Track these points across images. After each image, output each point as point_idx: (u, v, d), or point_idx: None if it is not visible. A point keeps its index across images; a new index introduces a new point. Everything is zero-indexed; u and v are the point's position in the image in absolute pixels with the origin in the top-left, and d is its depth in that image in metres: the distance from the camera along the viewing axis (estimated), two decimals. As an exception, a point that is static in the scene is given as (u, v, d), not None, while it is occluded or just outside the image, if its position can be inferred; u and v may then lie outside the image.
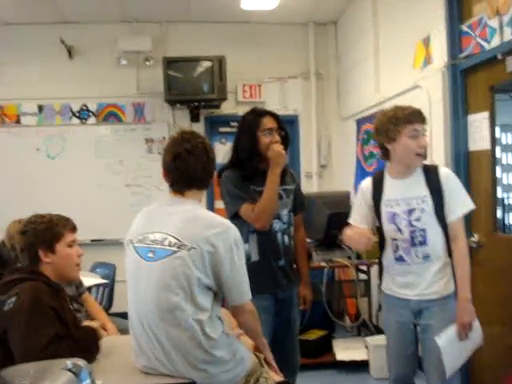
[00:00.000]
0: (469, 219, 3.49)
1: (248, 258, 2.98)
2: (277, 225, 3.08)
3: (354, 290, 4.79)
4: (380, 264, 2.97)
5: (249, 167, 3.04)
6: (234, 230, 2.26)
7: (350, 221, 2.97)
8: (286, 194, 3.14)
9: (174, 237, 2.17)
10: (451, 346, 2.61)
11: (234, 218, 3.01)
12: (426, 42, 4.10)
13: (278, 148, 3.00)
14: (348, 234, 2.78)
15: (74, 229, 2.57)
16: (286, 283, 3.14)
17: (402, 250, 2.75)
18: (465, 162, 3.69)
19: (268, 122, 3.07)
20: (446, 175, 2.75)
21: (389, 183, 2.82)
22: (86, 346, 2.33)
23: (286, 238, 3.14)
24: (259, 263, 3.01)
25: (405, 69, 4.48)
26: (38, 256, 2.43)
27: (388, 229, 2.79)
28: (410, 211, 2.71)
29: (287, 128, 3.24)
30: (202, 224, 2.19)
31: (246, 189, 3.03)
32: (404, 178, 2.76)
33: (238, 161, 3.10)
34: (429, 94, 4.02)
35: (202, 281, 2.14)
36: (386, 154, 2.80)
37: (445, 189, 2.69)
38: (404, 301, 2.77)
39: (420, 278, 2.72)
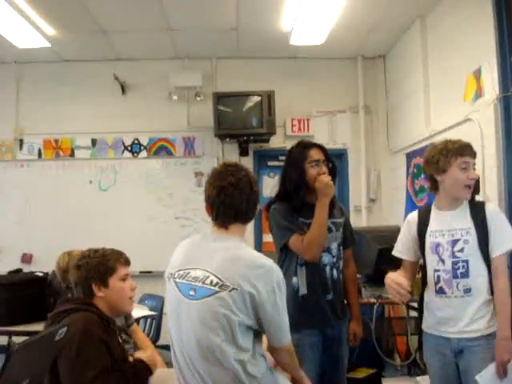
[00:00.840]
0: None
1: (296, 291, 2.96)
2: (326, 258, 3.04)
3: (404, 327, 4.67)
4: (421, 301, 2.90)
5: (296, 199, 3.02)
6: (277, 271, 2.18)
7: (394, 252, 2.98)
8: (335, 227, 3.10)
9: (215, 275, 2.12)
10: None
11: (283, 250, 3.00)
12: (477, 74, 4.04)
13: (326, 179, 2.97)
14: (388, 281, 2.74)
15: (127, 263, 2.60)
16: (335, 318, 3.07)
17: (443, 281, 2.71)
18: (519, 197, 3.60)
19: (315, 154, 3.06)
20: (492, 210, 2.73)
21: (435, 215, 2.81)
22: (136, 380, 2.33)
23: (335, 272, 3.09)
24: (307, 297, 2.96)
25: (455, 102, 4.42)
26: (91, 290, 2.47)
27: (430, 259, 2.76)
28: (454, 242, 2.69)
29: (335, 162, 3.23)
30: (244, 264, 2.13)
31: (295, 220, 3.01)
32: (450, 210, 2.76)
33: (285, 193, 3.08)
34: (481, 127, 3.95)
35: (243, 322, 2.10)
36: (434, 186, 2.80)
37: (490, 224, 2.66)
38: (444, 339, 2.71)
39: (460, 313, 2.66)
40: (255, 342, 2.18)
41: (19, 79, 6.43)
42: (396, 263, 2.99)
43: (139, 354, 2.53)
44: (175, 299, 2.23)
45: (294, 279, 2.98)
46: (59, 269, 3.55)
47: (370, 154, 6.57)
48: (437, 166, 2.70)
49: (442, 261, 2.71)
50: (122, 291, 2.53)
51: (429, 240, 2.77)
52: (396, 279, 2.69)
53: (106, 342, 2.29)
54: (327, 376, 3.06)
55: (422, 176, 5.15)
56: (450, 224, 2.72)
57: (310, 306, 2.94)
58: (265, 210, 3.10)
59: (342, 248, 3.16)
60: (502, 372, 2.54)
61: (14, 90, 6.42)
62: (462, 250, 2.67)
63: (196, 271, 2.18)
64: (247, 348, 2.12)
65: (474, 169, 2.73)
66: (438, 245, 2.73)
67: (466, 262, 2.66)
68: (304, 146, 3.13)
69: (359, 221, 6.39)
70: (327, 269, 3.05)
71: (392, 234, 4.35)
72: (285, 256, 3.00)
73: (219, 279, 2.11)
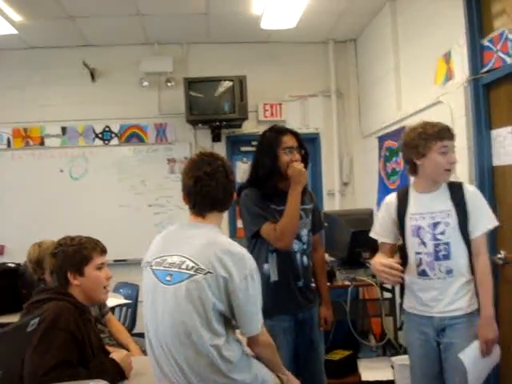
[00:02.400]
0: (495, 236, 3.44)
1: (267, 278, 2.96)
2: (296, 245, 3.04)
3: (378, 308, 4.72)
4: (402, 282, 2.92)
5: (268, 186, 3.00)
6: (250, 261, 2.21)
7: (371, 234, 2.99)
8: (305, 213, 3.10)
9: (191, 260, 2.15)
10: (475, 364, 2.58)
11: (254, 237, 3.00)
12: (447, 57, 4.07)
13: (299, 166, 2.97)
14: (377, 266, 2.73)
15: (103, 251, 2.58)
16: (306, 304, 3.09)
17: (425, 263, 2.73)
18: (489, 178, 3.65)
19: (288, 140, 3.04)
20: (471, 192, 2.76)
21: (414, 197, 2.82)
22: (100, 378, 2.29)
23: (305, 259, 3.10)
24: (278, 283, 2.97)
25: (426, 85, 4.46)
26: (67, 278, 2.45)
27: (412, 242, 2.78)
28: (435, 225, 2.71)
29: (308, 146, 3.22)
30: (219, 249, 2.16)
31: (267, 208, 2.99)
32: (429, 193, 2.77)
33: (257, 179, 3.06)
34: (451, 109, 3.99)
35: (216, 306, 2.12)
36: (413, 169, 2.81)
37: (469, 205, 2.69)
38: (427, 318, 2.74)
39: (443, 293, 2.69)
40: (228, 327, 2.21)
41: (-14, 67, 6.28)
42: (370, 246, 3.01)
43: (114, 355, 2.47)
44: (151, 286, 2.24)
45: (266, 266, 2.98)
46: (30, 260, 3.51)
47: (343, 138, 6.59)
48: (416, 150, 2.71)
49: (424, 243, 2.73)
50: (97, 280, 2.51)
51: (409, 223, 2.79)
52: (385, 262, 2.69)
53: (74, 334, 2.24)
54: (302, 359, 3.09)
55: (394, 159, 5.20)
56: (430, 207, 2.74)
57: (281, 293, 2.95)
58: (236, 195, 3.10)
59: (311, 234, 3.16)
60: (485, 350, 2.59)
61: (-20, 79, 6.28)
62: (443, 233, 2.69)
63: (172, 257, 2.21)
64: (221, 333, 2.15)
65: (453, 151, 2.74)
66: (418, 228, 2.75)
67: (448, 244, 2.69)
68: (277, 132, 3.10)
69: (332, 204, 6.44)
70: (298, 256, 3.06)
71: (365, 216, 4.41)
72: (254, 243, 2.99)
73: (195, 263, 2.14)
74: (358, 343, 4.78)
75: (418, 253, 2.75)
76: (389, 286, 4.70)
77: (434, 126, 2.71)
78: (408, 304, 2.87)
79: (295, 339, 3.06)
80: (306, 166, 3.06)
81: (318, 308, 3.23)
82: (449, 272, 2.68)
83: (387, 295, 4.72)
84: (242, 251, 2.22)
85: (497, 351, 2.67)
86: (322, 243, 3.47)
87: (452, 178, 2.83)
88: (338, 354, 4.67)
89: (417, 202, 2.80)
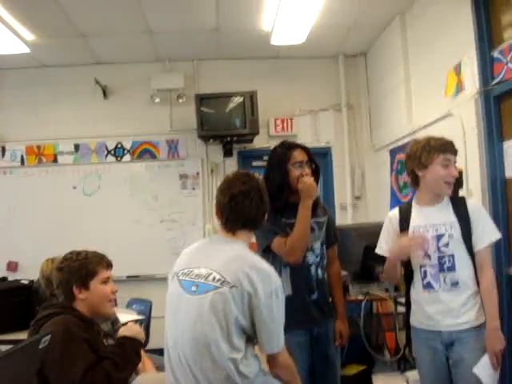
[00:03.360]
0: (508, 248, 3.41)
1: (281, 292, 2.96)
2: (310, 258, 3.04)
3: (392, 323, 4.68)
4: (407, 297, 2.93)
5: (279, 200, 3.00)
6: (276, 279, 2.24)
7: (377, 250, 3.00)
8: (318, 226, 3.10)
9: (218, 273, 2.18)
10: (491, 377, 2.56)
11: (266, 251, 2.99)
12: (458, 69, 4.07)
13: (309, 180, 2.97)
14: (396, 247, 2.81)
15: (108, 266, 2.60)
16: (321, 318, 3.07)
17: (430, 276, 2.74)
18: (502, 190, 3.63)
19: (298, 155, 3.06)
20: (474, 205, 2.80)
21: (416, 211, 2.84)
22: (126, 360, 2.34)
23: (320, 271, 3.09)
24: (292, 298, 2.93)
25: (437, 97, 4.45)
26: (72, 292, 2.48)
27: (416, 255, 2.77)
28: (439, 237, 2.72)
29: (320, 160, 3.22)
30: (247, 264, 2.20)
31: (278, 222, 3.00)
32: (431, 206, 2.79)
33: (268, 194, 3.07)
34: (462, 121, 3.98)
35: (239, 320, 2.14)
36: (415, 181, 2.83)
37: (472, 218, 2.71)
38: (434, 333, 2.73)
39: (449, 306, 2.68)
40: (248, 344, 2.22)
41: (-1, 86, 6.37)
42: (383, 260, 3.00)
43: (121, 332, 2.51)
44: (176, 295, 2.28)
45: None
46: (43, 277, 3.52)
47: (354, 152, 6.58)
48: (419, 161, 2.73)
49: (428, 256, 2.73)
50: (102, 294, 2.53)
51: (413, 236, 2.78)
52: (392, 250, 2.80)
53: (87, 341, 2.30)
54: (318, 375, 3.06)
55: (406, 172, 5.18)
56: (433, 219, 2.75)
57: (295, 307, 2.92)
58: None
59: (325, 247, 3.16)
60: (495, 362, 2.57)
61: (-6, 97, 6.36)
62: (447, 245, 2.70)
63: (200, 269, 2.25)
64: (240, 348, 2.16)
65: (455, 166, 2.76)
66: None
67: (452, 256, 2.69)
68: (287, 147, 3.12)
69: (345, 218, 6.41)
70: (312, 268, 3.06)
71: (378, 230, 4.34)
72: (267, 257, 2.99)
73: (221, 276, 2.17)
74: (372, 358, 4.73)
75: (423, 265, 2.76)
76: (402, 300, 4.67)
77: (438, 140, 2.74)
78: (414, 319, 2.86)
79: (311, 354, 3.03)
80: (316, 180, 3.06)
81: (334, 322, 3.20)
82: (454, 284, 2.68)
83: (401, 309, 4.68)
84: (269, 269, 2.25)
85: None
86: (337, 257, 3.45)
87: (464, 191, 2.83)
88: (353, 369, 4.62)
89: (420, 215, 2.81)
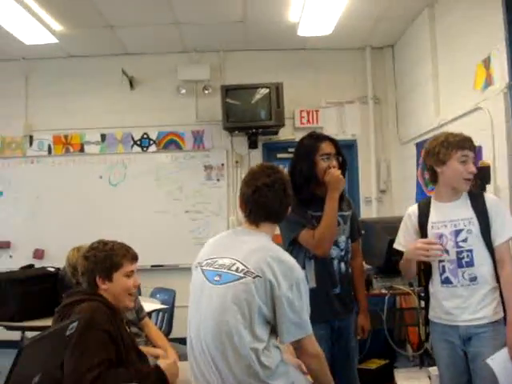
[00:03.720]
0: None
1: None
2: (334, 251, 3.03)
3: (416, 317, 4.65)
4: (426, 292, 2.93)
5: (306, 192, 2.99)
6: (298, 271, 2.26)
7: (395, 245, 3.00)
8: (343, 220, 3.09)
9: (241, 263, 2.20)
10: (506, 369, 2.54)
11: (292, 243, 2.99)
12: (487, 62, 4.01)
13: (337, 172, 2.96)
14: (410, 250, 2.80)
15: (134, 259, 2.61)
16: (343, 311, 3.08)
17: (448, 271, 2.74)
18: (531, 185, 3.57)
19: (326, 147, 3.04)
20: (492, 200, 2.79)
21: (435, 207, 2.84)
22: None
23: (343, 265, 3.09)
24: (316, 290, 2.94)
25: (465, 91, 4.39)
26: (95, 282, 2.50)
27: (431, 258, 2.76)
28: (457, 232, 2.72)
29: (345, 153, 3.21)
30: (270, 255, 2.21)
31: (305, 214, 2.99)
32: (450, 202, 2.79)
33: (294, 186, 3.05)
34: (491, 115, 3.92)
35: (261, 310, 2.16)
36: (433, 177, 2.84)
37: (491, 213, 2.70)
38: (452, 327, 2.72)
39: (467, 301, 2.68)
40: (271, 335, 2.23)
41: (28, 76, 6.45)
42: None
43: (162, 361, 2.52)
44: (199, 285, 2.30)
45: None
46: (69, 265, 3.56)
47: (380, 145, 6.54)
48: (437, 157, 2.73)
49: (446, 251, 2.73)
50: (124, 286, 2.55)
51: (431, 231, 2.79)
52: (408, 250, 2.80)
53: (109, 332, 2.30)
54: (338, 368, 3.05)
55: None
56: (451, 215, 2.75)
57: (318, 300, 2.91)
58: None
59: (349, 241, 3.15)
60: None
61: (22, 87, 6.45)
62: (465, 240, 2.69)
63: (224, 259, 2.27)
64: (262, 338, 2.17)
65: (473, 162, 2.75)
66: (441, 235, 2.75)
67: (470, 251, 2.69)
68: (316, 139, 3.10)
69: (370, 212, 6.38)
70: (335, 262, 3.05)
71: (403, 224, 4.35)
72: (292, 249, 2.98)
73: (245, 266, 2.19)
74: (394, 353, 4.71)
75: (441, 260, 2.75)
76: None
77: (456, 136, 2.74)
78: (433, 313, 2.86)
79: (331, 347, 3.03)
80: (343, 173, 3.05)
81: (356, 316, 3.20)
82: (473, 279, 2.67)
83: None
84: (292, 261, 2.28)
85: None
86: (360, 251, 3.44)
87: (491, 187, 2.80)
88: (375, 363, 4.62)
89: (438, 211, 2.81)
